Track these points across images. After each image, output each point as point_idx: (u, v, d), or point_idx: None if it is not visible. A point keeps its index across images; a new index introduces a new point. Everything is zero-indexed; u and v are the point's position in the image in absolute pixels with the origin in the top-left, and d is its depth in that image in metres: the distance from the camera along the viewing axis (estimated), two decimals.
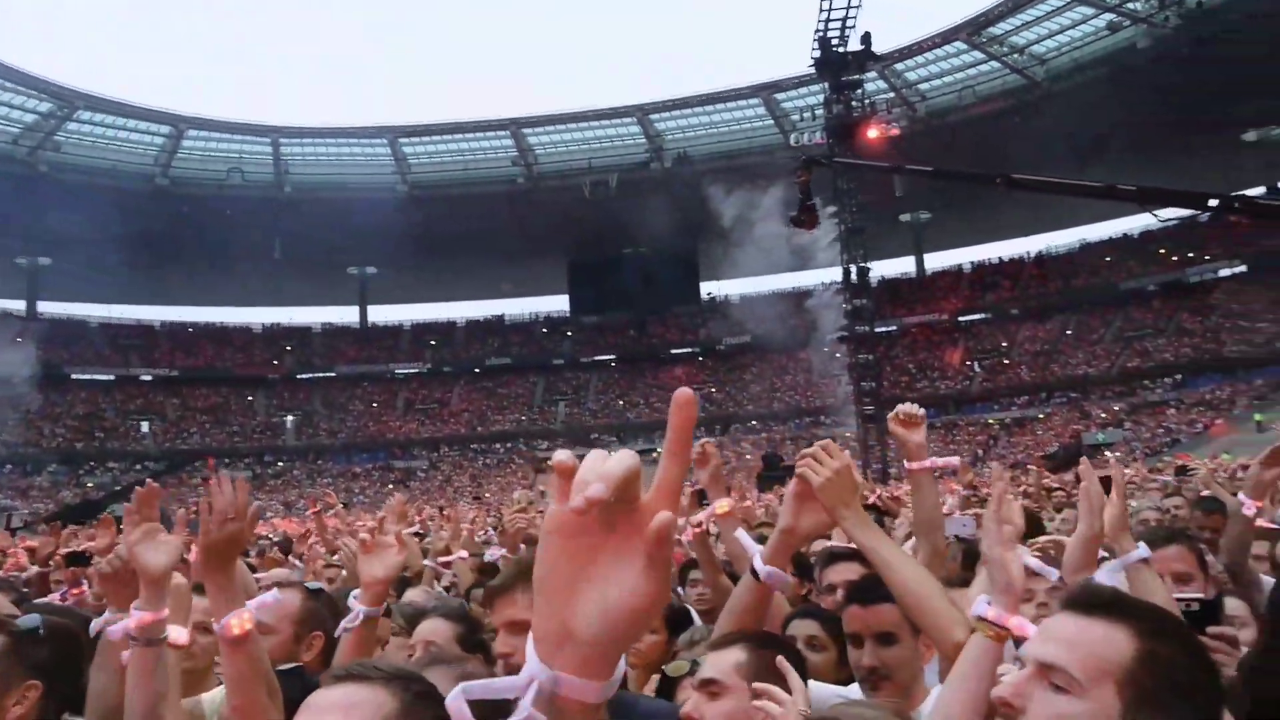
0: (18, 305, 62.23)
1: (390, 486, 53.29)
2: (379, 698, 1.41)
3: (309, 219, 58.30)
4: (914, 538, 3.36)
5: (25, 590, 5.58)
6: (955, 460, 6.06)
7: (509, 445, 63.65)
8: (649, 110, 61.34)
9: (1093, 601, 1.39)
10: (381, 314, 73.79)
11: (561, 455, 0.82)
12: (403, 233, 56.05)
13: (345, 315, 73.26)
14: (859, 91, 47.12)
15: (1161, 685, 1.28)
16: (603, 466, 0.80)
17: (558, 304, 73.41)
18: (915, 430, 2.98)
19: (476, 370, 69.14)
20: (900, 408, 3.05)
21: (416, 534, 7.51)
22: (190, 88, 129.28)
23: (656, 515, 0.79)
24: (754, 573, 2.31)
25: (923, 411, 3.04)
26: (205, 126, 59.23)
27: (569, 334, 71.11)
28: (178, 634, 2.41)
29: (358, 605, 2.65)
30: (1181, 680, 1.30)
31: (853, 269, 46.02)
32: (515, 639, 2.25)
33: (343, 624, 2.69)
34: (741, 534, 2.73)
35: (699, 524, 3.49)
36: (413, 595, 4.37)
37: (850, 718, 1.77)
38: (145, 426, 61.17)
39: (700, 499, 5.19)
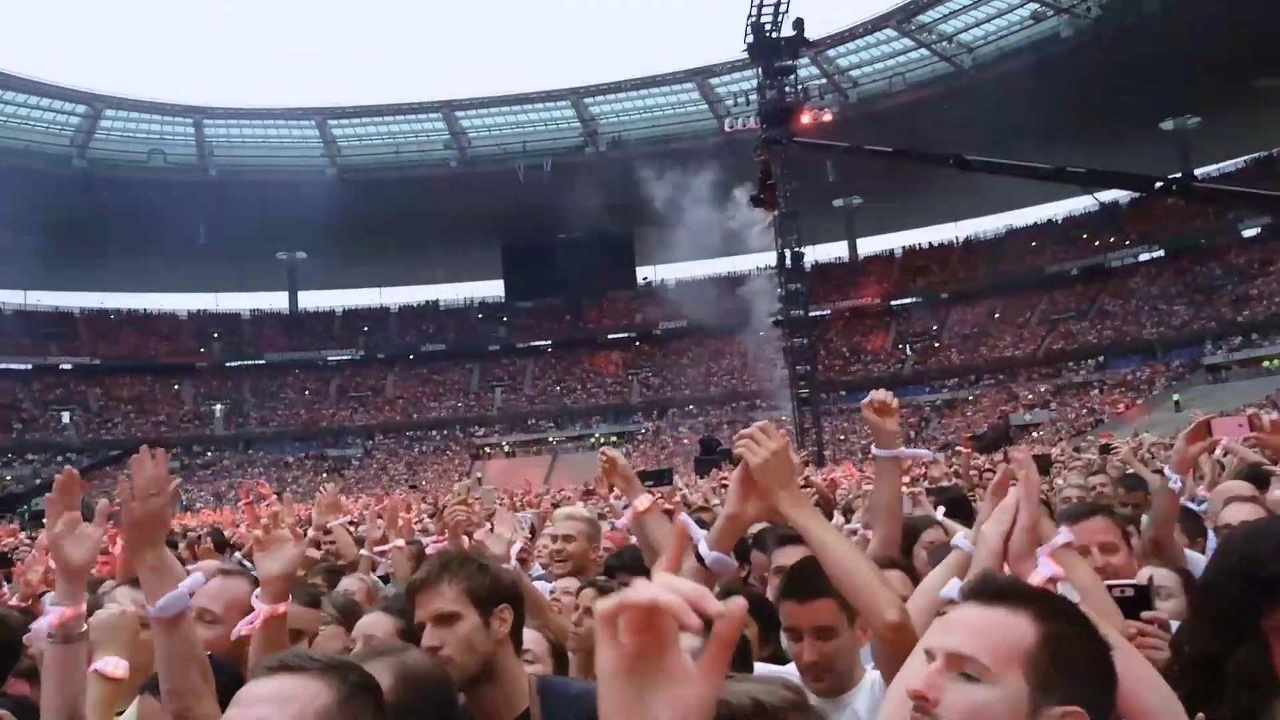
0: None
1: (324, 476, 52.48)
2: (314, 689, 1.37)
3: (235, 203, 56.80)
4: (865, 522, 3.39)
5: None
6: (926, 452, 6.06)
7: (445, 432, 63.12)
8: (583, 94, 61.10)
9: (994, 590, 1.44)
10: (312, 300, 72.47)
11: (637, 595, 0.82)
12: (333, 217, 54.98)
13: (274, 301, 71.79)
14: (792, 77, 47.43)
15: (1063, 665, 1.34)
16: (684, 588, 0.82)
17: (493, 289, 72.88)
18: (889, 418, 3.02)
19: (411, 357, 68.34)
20: (874, 394, 3.07)
21: (350, 523, 7.40)
22: (110, 67, 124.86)
23: (730, 601, 0.83)
24: (699, 558, 2.31)
25: (896, 401, 3.07)
26: (124, 106, 57.37)
27: (504, 319, 70.64)
28: (116, 667, 2.34)
29: (259, 605, 2.54)
30: (1081, 659, 1.37)
31: (787, 253, 46.40)
32: (442, 631, 2.23)
33: (240, 626, 2.59)
34: (685, 519, 2.72)
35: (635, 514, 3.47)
36: (347, 584, 4.28)
37: (736, 694, 1.74)
38: (66, 417, 59.30)
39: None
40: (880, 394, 3.07)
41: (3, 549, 6.23)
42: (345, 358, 68.37)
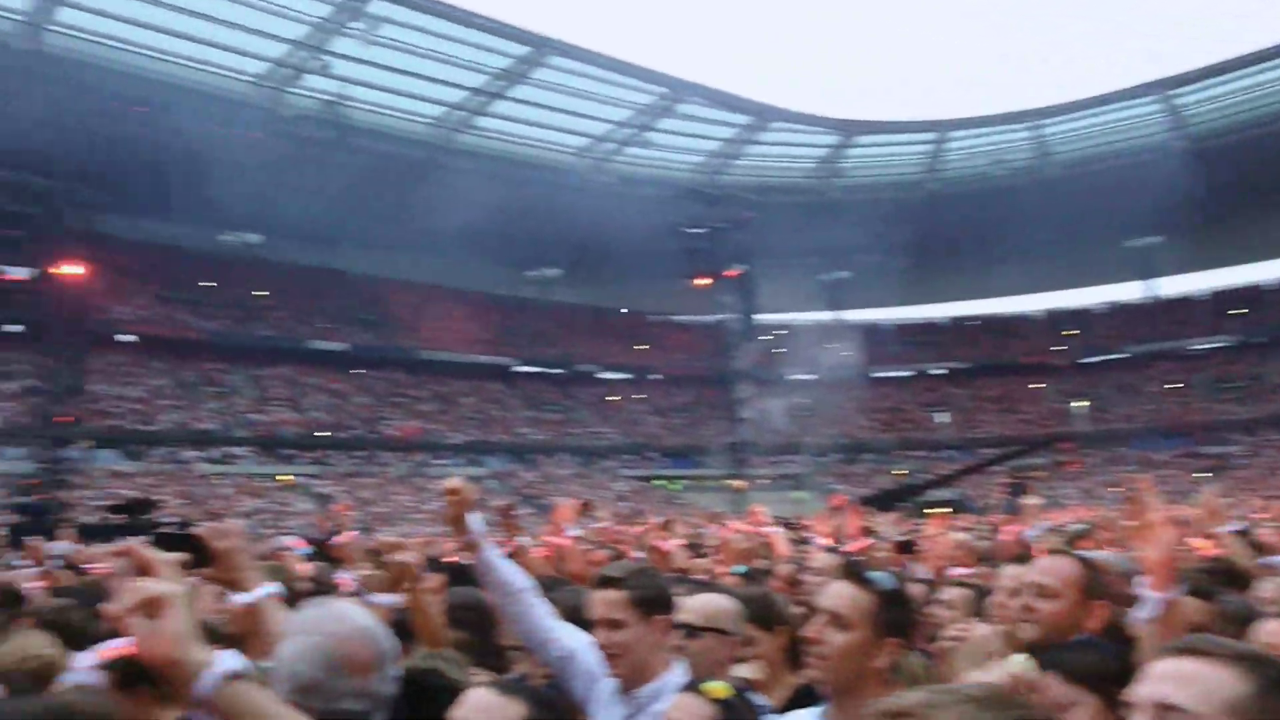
0: (827, 316, 70.96)
1: (1198, 475, 48.53)
2: (1222, 676, 1.36)
3: (1075, 196, 56.41)
4: None
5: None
6: None
7: None
8: None
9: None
10: (1170, 286, 67.90)
11: None
12: (1185, 194, 50.69)
13: (1126, 292, 69.29)
14: None
15: None
16: None
17: None
18: None
19: None
20: None
21: (1239, 531, 6.78)
22: (950, 94, 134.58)
23: None
24: None
25: None
26: (965, 126, 61.13)
27: None
28: None
29: (1149, 593, 2.60)
30: None
31: None
32: None
33: (1135, 612, 2.64)
34: None
35: None
36: (1265, 588, 3.89)
37: None
38: (941, 417, 65.32)
39: None
40: None
41: (905, 535, 7.44)
42: (1215, 345, 62.42)
